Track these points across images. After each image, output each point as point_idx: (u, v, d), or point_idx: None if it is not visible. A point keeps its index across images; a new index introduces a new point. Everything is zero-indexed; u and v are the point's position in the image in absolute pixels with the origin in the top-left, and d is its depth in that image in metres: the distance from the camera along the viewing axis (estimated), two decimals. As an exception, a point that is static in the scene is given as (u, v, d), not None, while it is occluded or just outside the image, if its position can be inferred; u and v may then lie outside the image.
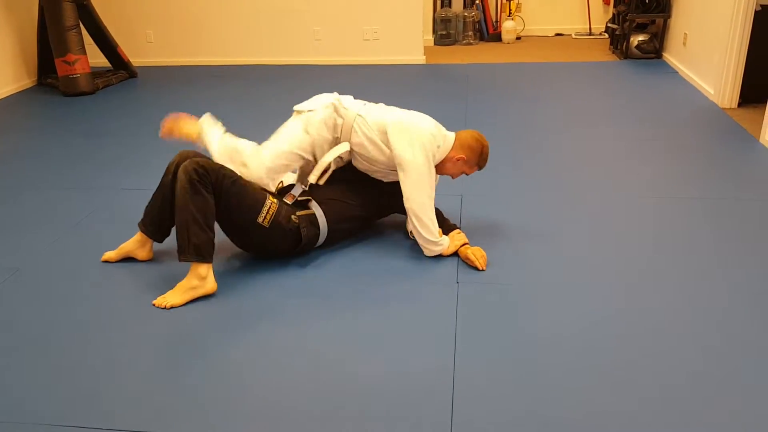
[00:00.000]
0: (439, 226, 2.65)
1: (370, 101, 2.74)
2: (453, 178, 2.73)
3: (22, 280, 2.54)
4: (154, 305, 2.32)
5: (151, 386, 1.92)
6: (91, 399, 1.88)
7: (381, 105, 2.70)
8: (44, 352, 2.09)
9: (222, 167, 2.37)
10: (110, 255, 2.65)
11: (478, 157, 2.65)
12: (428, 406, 1.81)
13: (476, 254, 2.52)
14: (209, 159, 2.33)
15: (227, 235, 2.53)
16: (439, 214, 2.69)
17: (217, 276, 2.47)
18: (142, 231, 2.58)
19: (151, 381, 1.94)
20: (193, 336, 2.16)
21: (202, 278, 2.33)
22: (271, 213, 2.43)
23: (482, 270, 2.49)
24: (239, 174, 2.47)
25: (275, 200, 2.47)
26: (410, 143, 2.49)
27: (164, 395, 1.88)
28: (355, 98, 2.72)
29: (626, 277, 2.43)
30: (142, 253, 2.63)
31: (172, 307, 2.30)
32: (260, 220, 2.41)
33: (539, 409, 1.79)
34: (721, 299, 2.28)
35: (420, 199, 2.50)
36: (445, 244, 2.58)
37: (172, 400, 1.87)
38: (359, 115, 2.60)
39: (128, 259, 2.64)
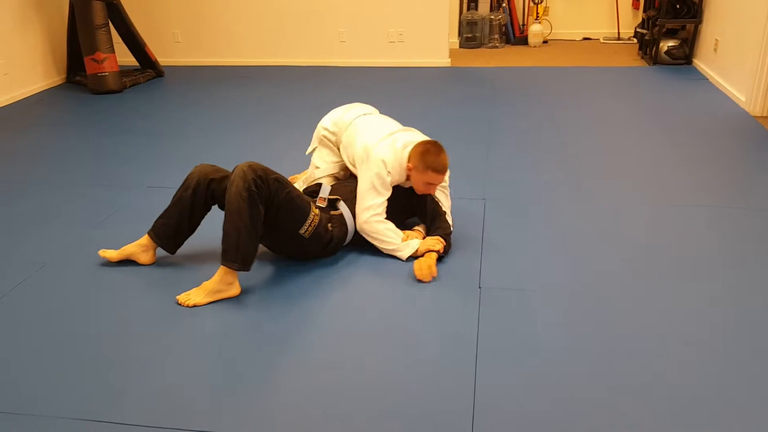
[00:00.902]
0: (432, 226, 2.62)
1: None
2: (421, 191, 2.62)
3: (48, 275, 2.56)
4: (177, 300, 2.33)
5: (176, 383, 1.93)
6: (117, 394, 1.89)
7: (372, 120, 2.74)
8: (69, 348, 2.11)
9: (278, 178, 2.34)
10: (111, 254, 2.58)
11: (423, 159, 2.51)
12: (450, 410, 1.79)
13: (422, 264, 2.44)
14: (263, 166, 2.32)
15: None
16: (438, 216, 2.63)
17: (245, 274, 2.47)
18: (155, 242, 2.56)
19: (176, 378, 1.95)
20: (221, 334, 2.16)
21: (229, 284, 2.34)
22: (313, 225, 2.45)
23: (423, 281, 2.43)
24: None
25: (318, 212, 2.48)
26: (366, 172, 2.59)
27: (188, 393, 1.89)
28: (369, 104, 2.85)
29: (653, 286, 2.38)
30: (145, 257, 2.59)
31: (194, 306, 2.31)
32: (302, 231, 2.43)
33: (560, 415, 1.76)
34: (749, 310, 2.22)
35: (361, 219, 2.58)
36: (405, 250, 2.57)
37: (193, 398, 1.87)
38: (342, 144, 2.78)
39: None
